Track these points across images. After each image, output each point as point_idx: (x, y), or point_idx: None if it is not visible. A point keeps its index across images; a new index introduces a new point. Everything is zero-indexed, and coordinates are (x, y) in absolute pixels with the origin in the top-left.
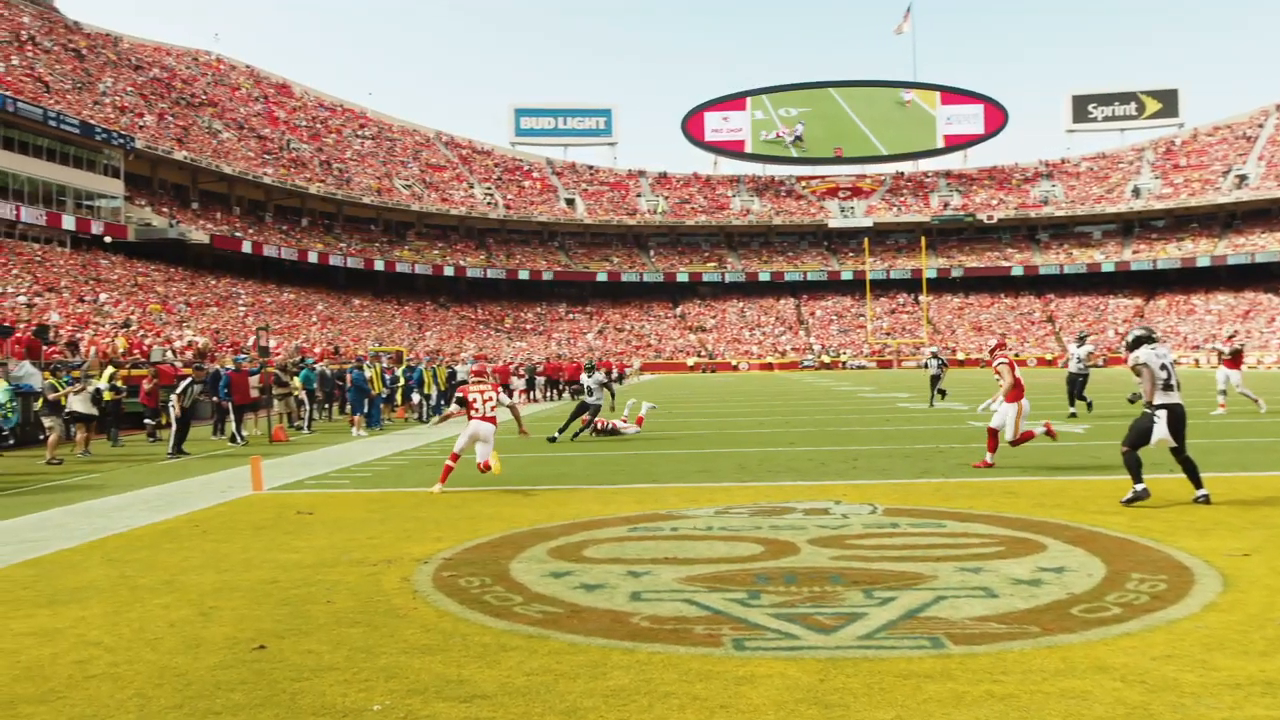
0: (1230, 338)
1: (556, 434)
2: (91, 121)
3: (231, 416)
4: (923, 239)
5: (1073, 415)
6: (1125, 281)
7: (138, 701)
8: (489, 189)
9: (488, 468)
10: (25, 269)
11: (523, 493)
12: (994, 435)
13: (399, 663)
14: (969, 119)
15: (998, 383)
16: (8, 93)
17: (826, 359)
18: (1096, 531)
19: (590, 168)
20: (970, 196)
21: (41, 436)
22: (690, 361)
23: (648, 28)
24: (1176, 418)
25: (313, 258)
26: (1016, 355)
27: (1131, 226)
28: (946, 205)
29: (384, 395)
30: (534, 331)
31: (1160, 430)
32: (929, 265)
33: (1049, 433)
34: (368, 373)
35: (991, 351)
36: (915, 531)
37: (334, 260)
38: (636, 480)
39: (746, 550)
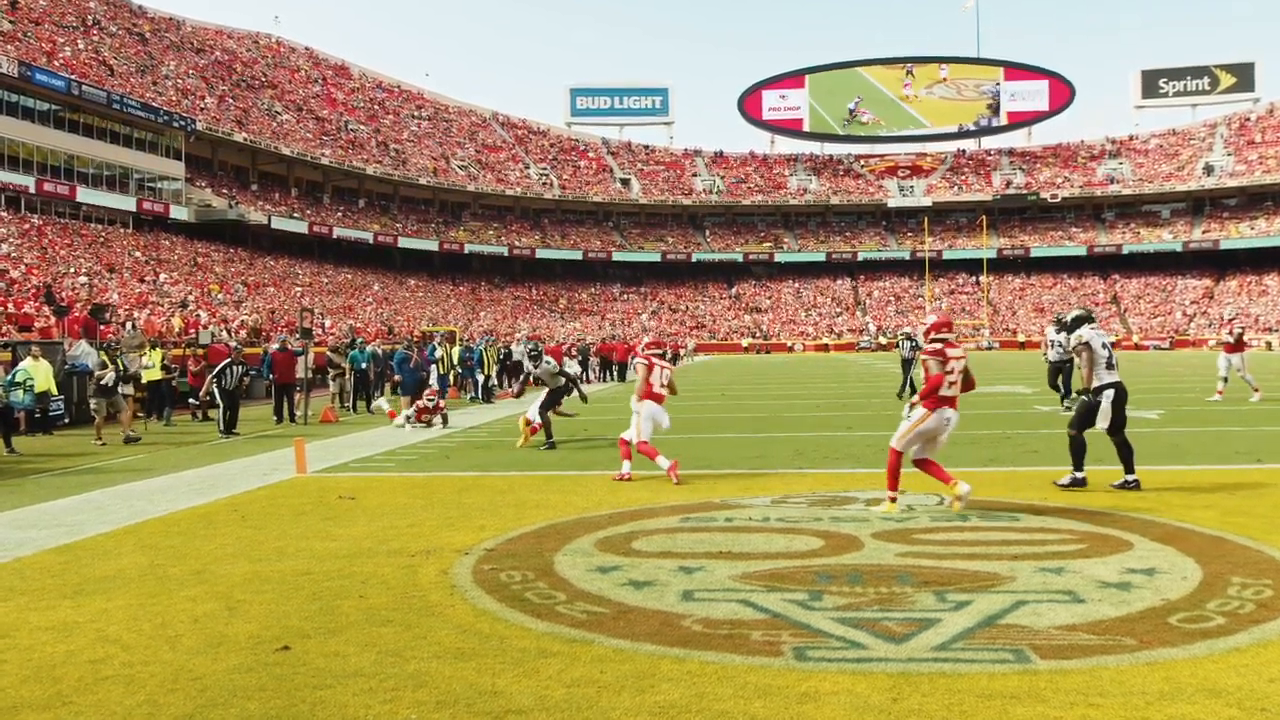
0: (1230, 320)
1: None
2: (154, 104)
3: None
4: (984, 218)
5: (1068, 408)
6: (1194, 262)
7: (147, 709)
8: (544, 169)
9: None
10: (88, 249)
11: (570, 478)
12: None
13: (430, 669)
14: (1033, 95)
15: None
16: (73, 76)
17: (884, 340)
18: (1185, 528)
19: (646, 147)
20: (1034, 175)
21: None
22: (745, 343)
23: (704, 6)
24: (1121, 397)
25: (369, 238)
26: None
27: (1202, 205)
28: (1009, 184)
29: (446, 375)
30: (588, 312)
31: (1106, 409)
32: (990, 245)
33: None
34: (438, 352)
35: (641, 349)
36: (987, 526)
37: (390, 241)
38: (688, 466)
39: (806, 544)
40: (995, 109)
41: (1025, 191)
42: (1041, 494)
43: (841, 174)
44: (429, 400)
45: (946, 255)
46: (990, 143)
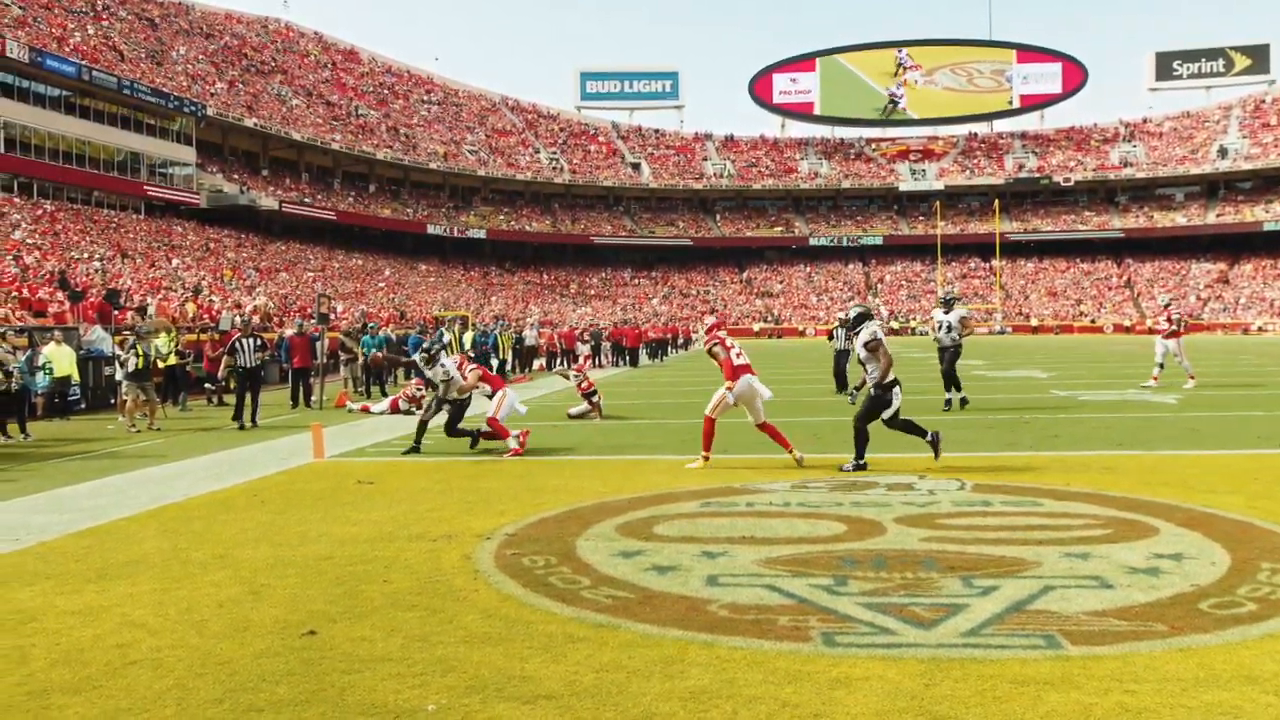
0: (1166, 306)
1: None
2: (164, 89)
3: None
4: (996, 202)
5: (948, 406)
6: (1208, 245)
7: (177, 694)
8: (554, 154)
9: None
10: (101, 235)
11: (587, 463)
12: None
13: (457, 654)
14: (1046, 78)
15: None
16: (84, 62)
17: (895, 325)
18: (1211, 513)
19: (656, 131)
20: (1046, 158)
21: (112, 400)
22: (756, 327)
23: None
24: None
25: (380, 224)
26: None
27: (1216, 188)
28: (1021, 167)
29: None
30: (599, 297)
31: (898, 403)
32: (1002, 229)
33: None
34: (446, 337)
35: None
36: (1010, 511)
37: (401, 226)
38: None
39: (828, 529)
40: (1014, 106)
41: (1038, 175)
42: (1064, 478)
43: (853, 158)
44: (417, 390)
45: (958, 239)
46: (1002, 126)
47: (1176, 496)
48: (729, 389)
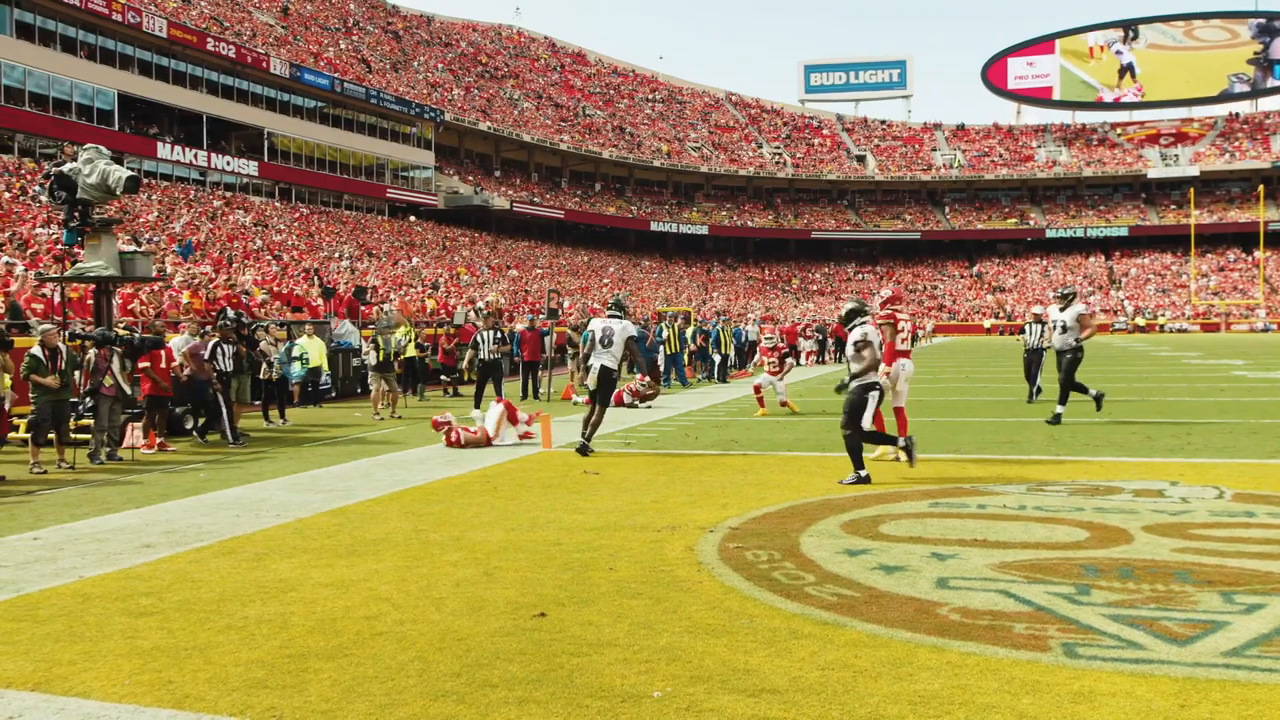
0: None
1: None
2: (407, 97)
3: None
4: (1261, 188)
5: (1057, 419)
6: None
7: (418, 665)
8: (777, 148)
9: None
10: (350, 235)
11: (811, 459)
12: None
13: (681, 643)
14: None
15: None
16: (336, 75)
17: (1141, 321)
18: None
19: (882, 122)
20: None
21: (359, 389)
22: (987, 324)
23: None
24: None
25: (605, 221)
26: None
27: None
28: None
29: (679, 354)
30: (822, 292)
31: (873, 407)
32: (1268, 217)
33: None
34: (665, 333)
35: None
36: (1278, 524)
37: (625, 223)
38: (934, 450)
39: (1068, 535)
40: (1263, 63)
41: None
42: None
43: (1095, 144)
44: (641, 384)
45: (1215, 229)
46: (1269, 104)
47: None
48: (885, 374)
